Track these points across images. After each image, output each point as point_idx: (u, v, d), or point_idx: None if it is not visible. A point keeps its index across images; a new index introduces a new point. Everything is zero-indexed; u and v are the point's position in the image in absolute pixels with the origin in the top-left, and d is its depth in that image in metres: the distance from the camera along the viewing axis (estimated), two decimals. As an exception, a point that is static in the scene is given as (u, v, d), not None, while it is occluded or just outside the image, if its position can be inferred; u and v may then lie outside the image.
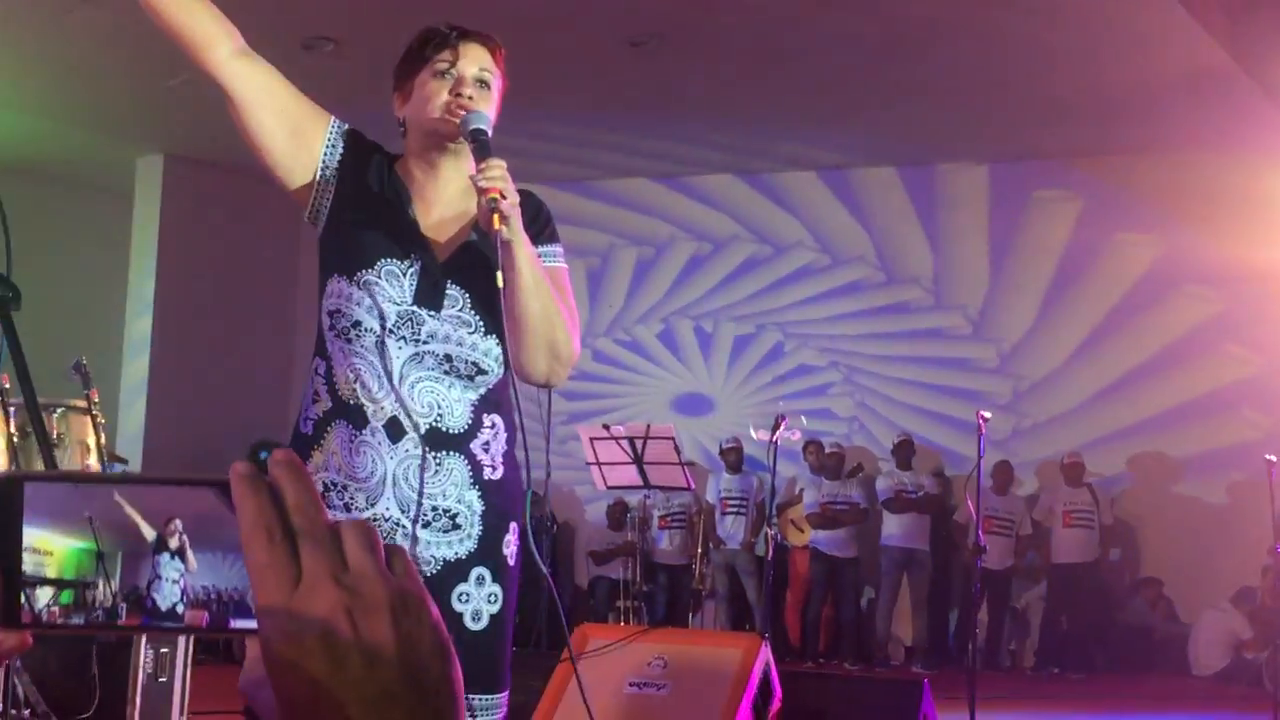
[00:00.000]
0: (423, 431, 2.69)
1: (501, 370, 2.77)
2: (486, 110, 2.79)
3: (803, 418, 10.97)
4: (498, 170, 2.64)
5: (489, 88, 2.83)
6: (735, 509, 12.17)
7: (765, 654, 5.38)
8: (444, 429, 2.71)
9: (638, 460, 8.73)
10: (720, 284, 13.82)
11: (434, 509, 2.70)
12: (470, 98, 2.77)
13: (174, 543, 0.84)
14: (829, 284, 13.51)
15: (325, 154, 2.84)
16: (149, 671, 6.12)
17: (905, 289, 13.30)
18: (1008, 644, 12.23)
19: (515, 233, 2.63)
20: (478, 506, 2.73)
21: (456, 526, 2.72)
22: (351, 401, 2.69)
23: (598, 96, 11.41)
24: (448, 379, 2.71)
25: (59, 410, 6.22)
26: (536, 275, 2.68)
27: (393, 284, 2.71)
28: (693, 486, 10.09)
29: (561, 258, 2.88)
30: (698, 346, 13.84)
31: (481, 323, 2.73)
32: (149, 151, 13.36)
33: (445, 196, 2.85)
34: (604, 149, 13.02)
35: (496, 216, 2.59)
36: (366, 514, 2.66)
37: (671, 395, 13.77)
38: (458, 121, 2.75)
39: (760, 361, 13.62)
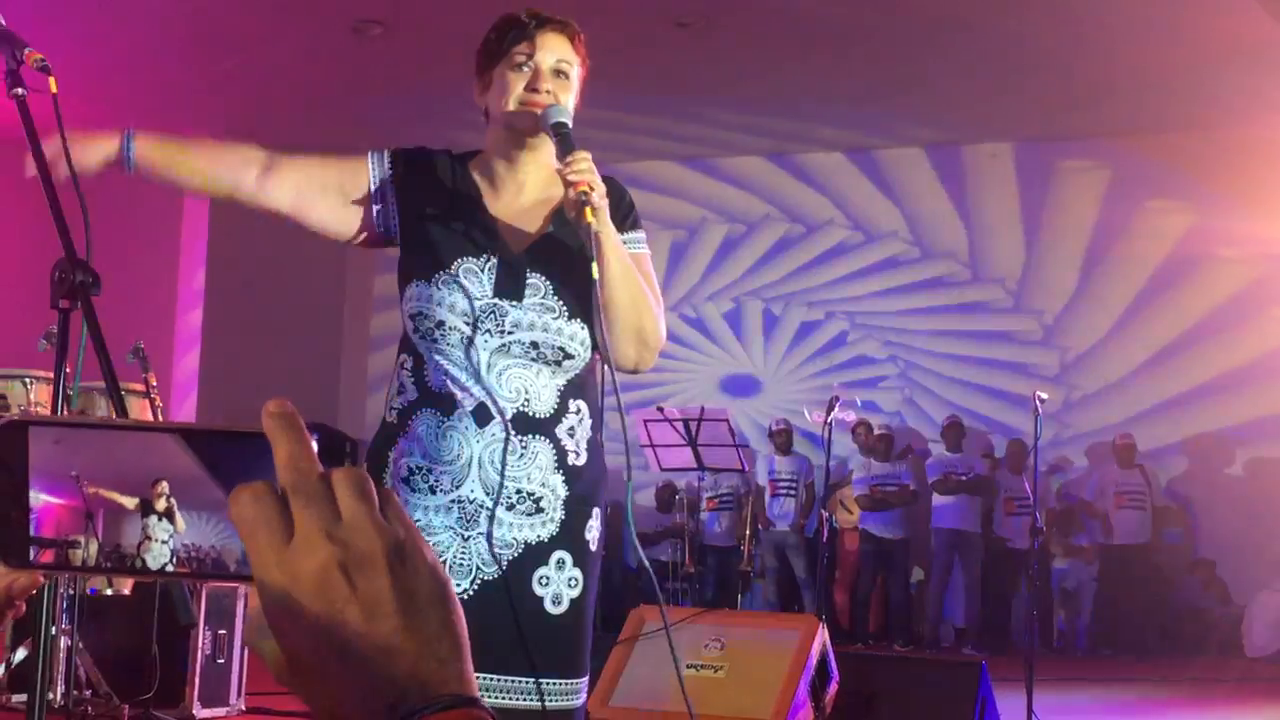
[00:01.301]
0: (509, 416, 2.70)
1: (588, 355, 2.78)
2: (566, 100, 2.79)
3: (857, 399, 10.94)
4: (585, 163, 2.64)
5: (567, 77, 2.82)
6: (786, 490, 12.16)
7: (823, 635, 5.37)
8: (530, 413, 2.72)
9: (692, 442, 8.72)
10: (756, 264, 13.81)
11: (517, 492, 2.71)
12: (548, 91, 2.77)
13: (161, 504, 0.84)
14: (864, 261, 13.49)
15: (374, 190, 2.87)
16: (208, 653, 6.18)
17: (941, 263, 13.26)
18: (1060, 626, 12.18)
19: (604, 225, 2.65)
20: (561, 491, 2.74)
21: (540, 510, 2.72)
22: (441, 390, 2.72)
23: (642, 79, 11.39)
24: (535, 365, 2.73)
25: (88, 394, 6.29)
26: (625, 264, 2.69)
27: (471, 280, 2.73)
28: (747, 468, 10.07)
29: (645, 244, 2.89)
30: (740, 327, 13.83)
31: (565, 308, 2.74)
32: (198, 136, 13.43)
33: (524, 186, 2.85)
34: (638, 133, 13.02)
35: (588, 210, 2.60)
36: (451, 495, 2.68)
37: (717, 376, 13.77)
38: (535, 114, 2.75)
39: (802, 340, 13.60)
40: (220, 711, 6.23)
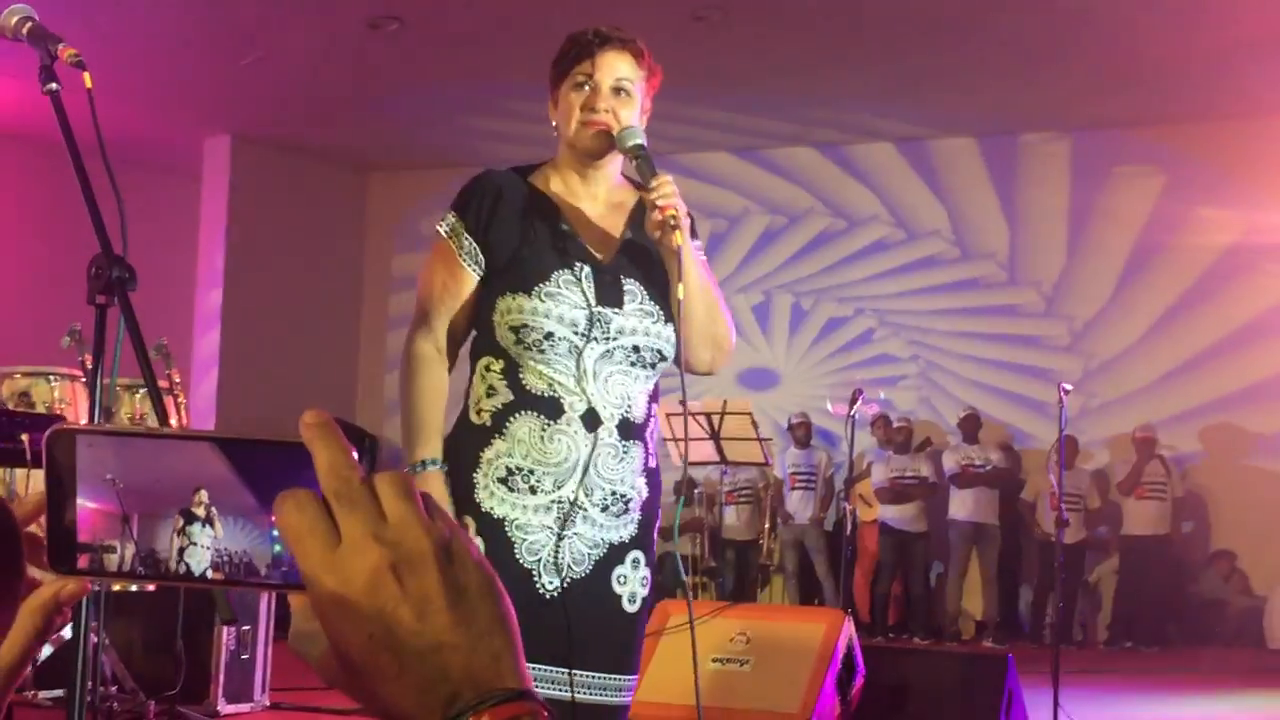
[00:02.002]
0: (616, 422, 2.78)
1: (673, 356, 2.87)
2: (628, 116, 2.86)
3: (880, 392, 10.91)
4: (669, 187, 2.75)
5: (629, 95, 2.88)
6: (804, 484, 12.14)
7: (848, 629, 5.36)
8: (631, 419, 2.81)
9: (714, 436, 8.70)
10: (792, 257, 13.76)
11: (613, 494, 2.79)
12: (606, 110, 2.84)
13: (201, 511, 0.84)
14: (903, 259, 13.41)
15: (467, 254, 2.89)
16: (232, 649, 6.19)
17: (979, 264, 13.19)
18: (1080, 618, 12.15)
19: (686, 243, 2.76)
20: (644, 493, 2.84)
21: (626, 511, 2.81)
22: (543, 395, 2.77)
23: (688, 70, 11.29)
24: (634, 370, 2.82)
25: (140, 391, 6.30)
26: (702, 276, 2.83)
27: (572, 290, 2.79)
28: (770, 462, 10.05)
29: (704, 251, 2.98)
30: (767, 320, 13.79)
31: (661, 311, 2.84)
32: (216, 132, 13.46)
33: (597, 198, 2.93)
34: (675, 122, 12.95)
35: (676, 234, 2.71)
36: (551, 496, 2.75)
37: (737, 369, 13.74)
38: (594, 134, 2.84)
39: (827, 335, 13.55)
40: (245, 707, 6.24)
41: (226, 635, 6.13)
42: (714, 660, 5.30)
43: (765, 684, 5.22)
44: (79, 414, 6.09)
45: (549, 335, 2.75)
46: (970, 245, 13.22)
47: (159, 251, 13.83)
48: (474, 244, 2.86)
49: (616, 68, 2.88)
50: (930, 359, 13.23)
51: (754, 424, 8.68)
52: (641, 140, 2.83)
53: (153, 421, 6.38)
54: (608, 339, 2.78)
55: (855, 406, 7.31)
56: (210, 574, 0.85)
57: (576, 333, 2.75)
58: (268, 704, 6.34)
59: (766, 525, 11.89)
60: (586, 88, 2.86)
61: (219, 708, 6.08)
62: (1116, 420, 12.33)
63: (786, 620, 5.61)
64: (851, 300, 13.51)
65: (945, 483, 12.03)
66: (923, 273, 13.31)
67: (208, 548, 0.85)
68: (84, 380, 6.09)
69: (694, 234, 2.91)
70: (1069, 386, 6.68)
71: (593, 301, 2.79)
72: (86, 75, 2.36)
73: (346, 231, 14.82)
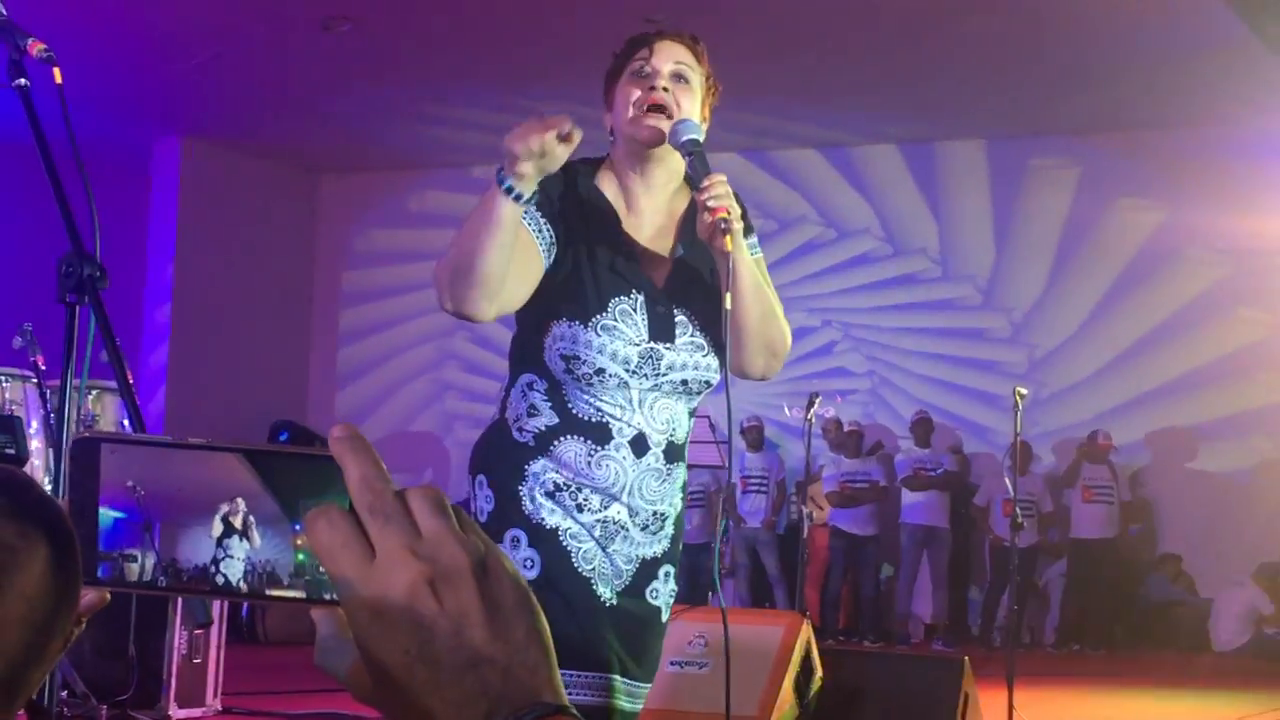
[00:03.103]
0: (664, 447, 2.71)
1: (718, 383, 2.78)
2: (690, 106, 2.72)
3: (838, 396, 10.95)
4: (723, 188, 2.59)
5: (688, 83, 2.74)
6: (756, 487, 12.17)
7: (806, 632, 5.38)
8: (676, 442, 2.74)
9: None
10: (728, 259, 13.82)
11: (655, 514, 2.74)
12: (665, 89, 2.69)
13: (238, 521, 0.84)
14: (836, 258, 13.52)
15: (536, 228, 2.67)
16: (184, 653, 6.13)
17: (912, 260, 13.31)
18: (1028, 621, 12.24)
19: (740, 248, 2.61)
20: (679, 507, 2.80)
21: (663, 529, 2.77)
22: (591, 420, 2.67)
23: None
24: (681, 398, 2.74)
25: (93, 392, 6.23)
26: (756, 280, 2.68)
27: (628, 323, 2.66)
28: (726, 465, 10.06)
29: (759, 246, 2.86)
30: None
31: (711, 342, 2.73)
32: (166, 132, 13.35)
33: (655, 203, 2.80)
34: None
35: (728, 239, 2.56)
36: (598, 515, 2.68)
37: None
38: (651, 123, 2.68)
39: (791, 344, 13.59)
40: (197, 712, 6.18)
41: (179, 639, 6.08)
42: (672, 663, 5.29)
43: (724, 686, 5.22)
44: (30, 415, 6.02)
45: (600, 371, 2.64)
46: (901, 242, 13.36)
47: (105, 253, 13.70)
48: (546, 222, 2.67)
49: (676, 52, 2.74)
50: (878, 355, 13.33)
51: (712, 426, 8.69)
52: (698, 135, 2.68)
53: (107, 423, 6.32)
54: (657, 375, 2.68)
55: (813, 409, 7.34)
56: (242, 586, 0.85)
57: (628, 370, 2.65)
58: (219, 708, 6.29)
59: (718, 528, 11.91)
60: (644, 74, 2.72)
61: (171, 712, 6.02)
62: (1065, 411, 12.46)
63: (745, 623, 5.62)
64: (791, 301, 13.54)
65: (896, 486, 12.10)
66: (858, 270, 13.44)
67: (243, 559, 0.84)
68: (35, 381, 6.02)
69: (750, 229, 2.80)
70: (1025, 390, 6.72)
71: (646, 337, 2.67)
72: (57, 71, 2.33)
73: (297, 233, 14.74)
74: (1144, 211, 12.49)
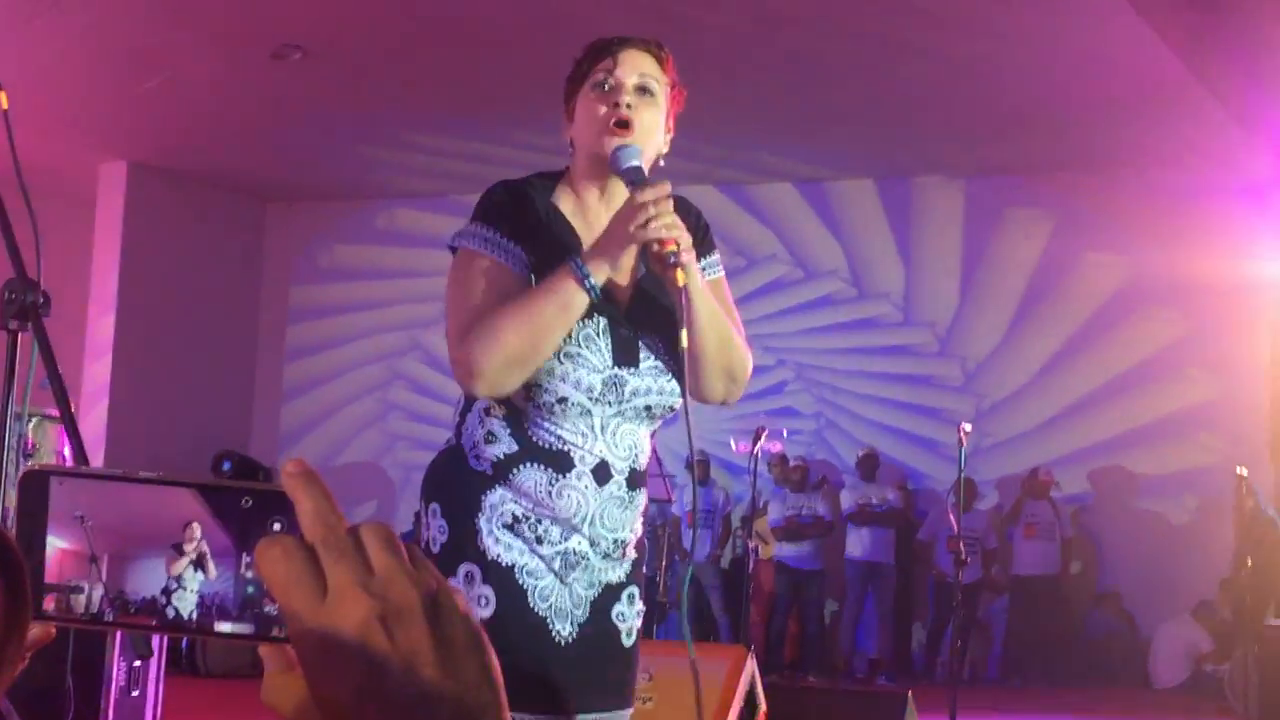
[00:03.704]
0: (626, 475, 2.65)
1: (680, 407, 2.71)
2: (651, 118, 2.63)
3: (783, 431, 10.97)
4: (667, 218, 2.48)
5: (653, 95, 2.64)
6: (701, 522, 12.17)
7: (751, 666, 5.38)
8: (638, 468, 2.68)
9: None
10: (692, 295, 13.81)
11: (615, 541, 2.67)
12: (629, 106, 2.60)
13: (191, 549, 0.83)
14: (800, 298, 13.53)
15: (516, 260, 2.62)
16: (122, 685, 6.05)
17: (876, 304, 13.34)
18: (970, 656, 12.29)
19: (692, 277, 2.51)
20: (639, 532, 2.73)
21: (624, 555, 2.70)
22: (552, 449, 2.60)
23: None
24: (644, 423, 2.67)
25: (34, 420, 6.17)
26: (712, 307, 2.59)
27: (592, 349, 2.58)
28: (673, 498, 10.07)
29: (721, 267, 2.78)
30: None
31: (674, 366, 2.64)
32: (112, 158, 13.26)
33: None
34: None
35: (679, 272, 2.48)
36: (558, 546, 2.61)
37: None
38: (615, 142, 2.59)
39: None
40: (135, 745, 6.09)
41: (117, 671, 6.00)
42: (616, 697, 5.28)
43: (668, 721, 5.21)
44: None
45: (563, 399, 2.57)
46: (867, 285, 13.38)
47: (49, 279, 13.57)
48: (519, 249, 2.61)
49: (640, 65, 2.63)
50: (827, 397, 13.35)
51: (658, 460, 8.70)
52: (638, 162, 2.56)
53: (47, 452, 6.25)
54: (621, 401, 2.60)
55: (759, 443, 7.35)
56: (193, 618, 0.84)
57: (591, 398, 2.58)
58: (158, 741, 6.21)
59: (663, 562, 11.89)
60: (607, 85, 2.62)
61: (108, 745, 5.94)
62: (1008, 460, 12.52)
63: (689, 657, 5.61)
64: (752, 338, 13.55)
65: (842, 521, 12.12)
66: (820, 311, 13.45)
67: (195, 592, 0.84)
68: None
69: (711, 247, 2.74)
70: (968, 427, 6.77)
71: (610, 362, 2.59)
72: (3, 95, 2.31)
73: (244, 261, 14.66)
74: (1109, 267, 12.55)
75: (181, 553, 0.83)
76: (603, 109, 2.61)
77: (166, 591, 0.84)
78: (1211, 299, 12.02)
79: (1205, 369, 12.15)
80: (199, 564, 0.83)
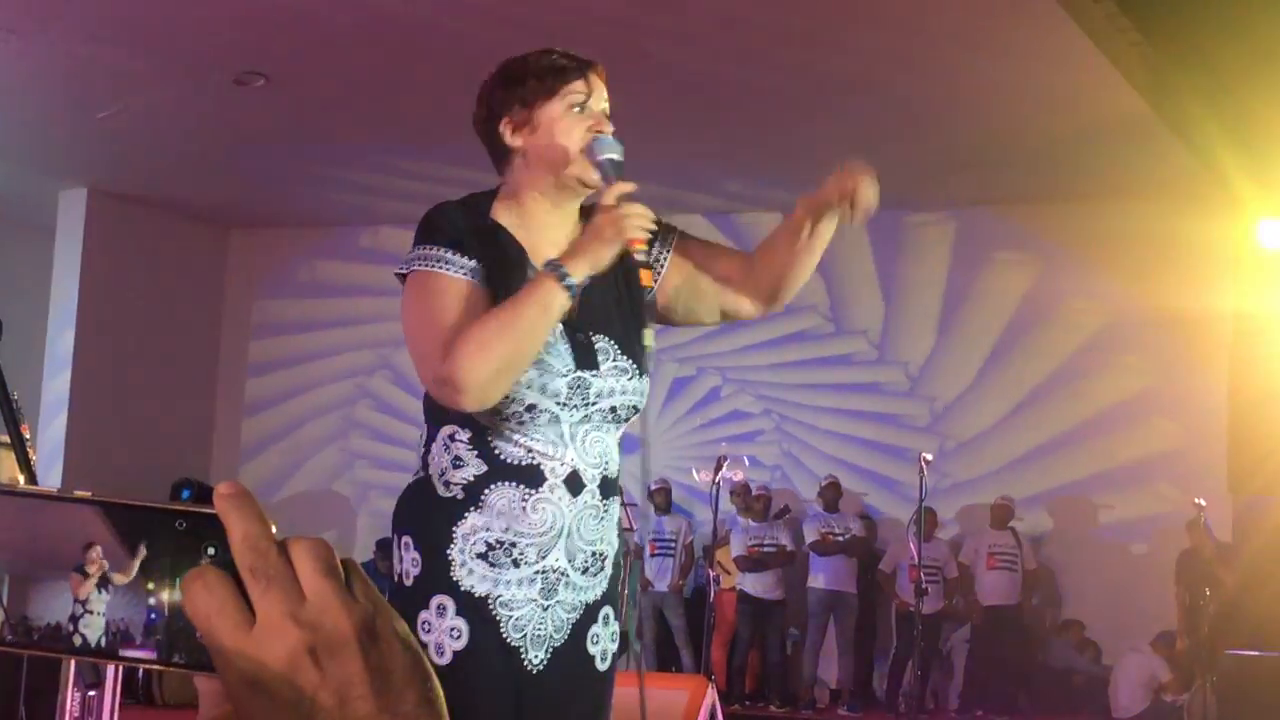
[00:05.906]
0: (598, 482, 2.65)
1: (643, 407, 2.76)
2: None
3: (745, 459, 10.95)
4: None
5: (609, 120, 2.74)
6: (663, 551, 12.14)
7: (711, 696, 5.36)
8: (610, 475, 2.68)
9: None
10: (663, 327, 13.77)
11: (594, 554, 2.66)
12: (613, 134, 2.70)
13: (93, 570, 0.81)
14: (776, 332, 13.43)
15: (475, 274, 2.64)
16: (76, 715, 5.98)
17: (851, 340, 13.33)
18: (932, 686, 12.29)
19: (828, 227, 2.87)
20: (617, 546, 2.73)
21: (602, 569, 2.69)
22: (521, 464, 2.60)
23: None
24: (611, 426, 2.68)
25: (-12, 447, 6.10)
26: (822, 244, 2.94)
27: (553, 354, 2.60)
28: (635, 527, 10.05)
29: (674, 231, 2.95)
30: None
31: (635, 366, 2.69)
32: (72, 185, 13.17)
33: (566, 230, 2.75)
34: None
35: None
36: (536, 566, 2.60)
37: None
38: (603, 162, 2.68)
39: (676, 396, 13.55)
40: (88, 776, 6.02)
41: (71, 701, 5.94)
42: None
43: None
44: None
45: (531, 407, 2.58)
46: (844, 322, 13.37)
47: (6, 305, 13.46)
48: (471, 261, 2.61)
49: (603, 90, 2.73)
50: (782, 412, 13.34)
51: (620, 490, 8.69)
52: (617, 155, 2.67)
53: (8, 474, 6.18)
54: (587, 404, 2.62)
55: (720, 472, 7.35)
56: (104, 644, 0.81)
57: (558, 403, 2.59)
58: (113, 773, 6.13)
59: (625, 591, 11.86)
60: (584, 111, 2.67)
61: (61, 777, 5.87)
62: (966, 499, 12.55)
63: (650, 687, 5.58)
64: (691, 360, 13.52)
65: (804, 550, 12.11)
66: (752, 328, 13.37)
67: (103, 615, 0.81)
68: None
69: (671, 230, 2.85)
70: (929, 456, 6.79)
71: (572, 365, 2.61)
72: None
73: (205, 287, 14.57)
74: (1021, 265, 12.66)
75: (85, 576, 0.81)
76: (582, 133, 2.66)
77: (74, 618, 0.81)
78: (1174, 336, 12.08)
79: (1167, 417, 12.19)
80: (105, 589, 0.81)
